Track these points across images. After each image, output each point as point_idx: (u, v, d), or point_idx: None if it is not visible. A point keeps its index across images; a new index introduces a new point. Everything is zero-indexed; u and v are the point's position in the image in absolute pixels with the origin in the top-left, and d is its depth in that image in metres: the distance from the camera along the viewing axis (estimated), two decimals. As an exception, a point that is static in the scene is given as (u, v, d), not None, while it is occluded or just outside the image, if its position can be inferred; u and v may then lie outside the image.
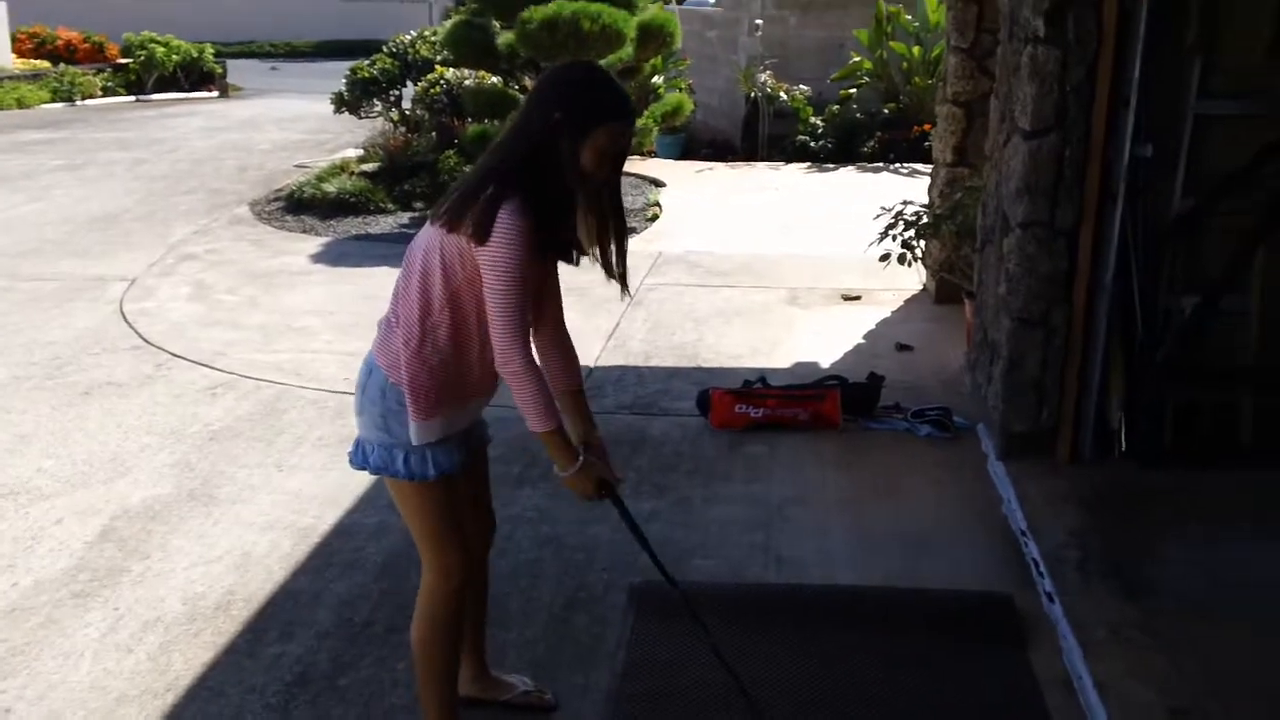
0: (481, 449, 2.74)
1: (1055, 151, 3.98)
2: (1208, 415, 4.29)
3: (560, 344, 2.67)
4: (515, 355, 2.35)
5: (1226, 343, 4.23)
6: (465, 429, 2.58)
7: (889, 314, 6.32)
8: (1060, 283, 4.11)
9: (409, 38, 10.96)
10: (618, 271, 2.58)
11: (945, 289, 6.20)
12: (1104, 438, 4.22)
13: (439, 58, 10.36)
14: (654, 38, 8.33)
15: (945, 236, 5.76)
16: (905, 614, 3.36)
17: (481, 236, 2.30)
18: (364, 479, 4.23)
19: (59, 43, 19.29)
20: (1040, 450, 4.24)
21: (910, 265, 5.81)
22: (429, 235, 2.43)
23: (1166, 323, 4.19)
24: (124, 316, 6.38)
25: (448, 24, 9.40)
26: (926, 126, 11.03)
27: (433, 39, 10.73)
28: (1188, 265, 4.18)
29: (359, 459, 2.56)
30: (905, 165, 11.19)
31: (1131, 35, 3.82)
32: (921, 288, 6.67)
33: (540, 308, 2.58)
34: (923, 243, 5.85)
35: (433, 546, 2.58)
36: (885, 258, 5.80)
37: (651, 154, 11.74)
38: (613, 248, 2.56)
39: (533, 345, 2.49)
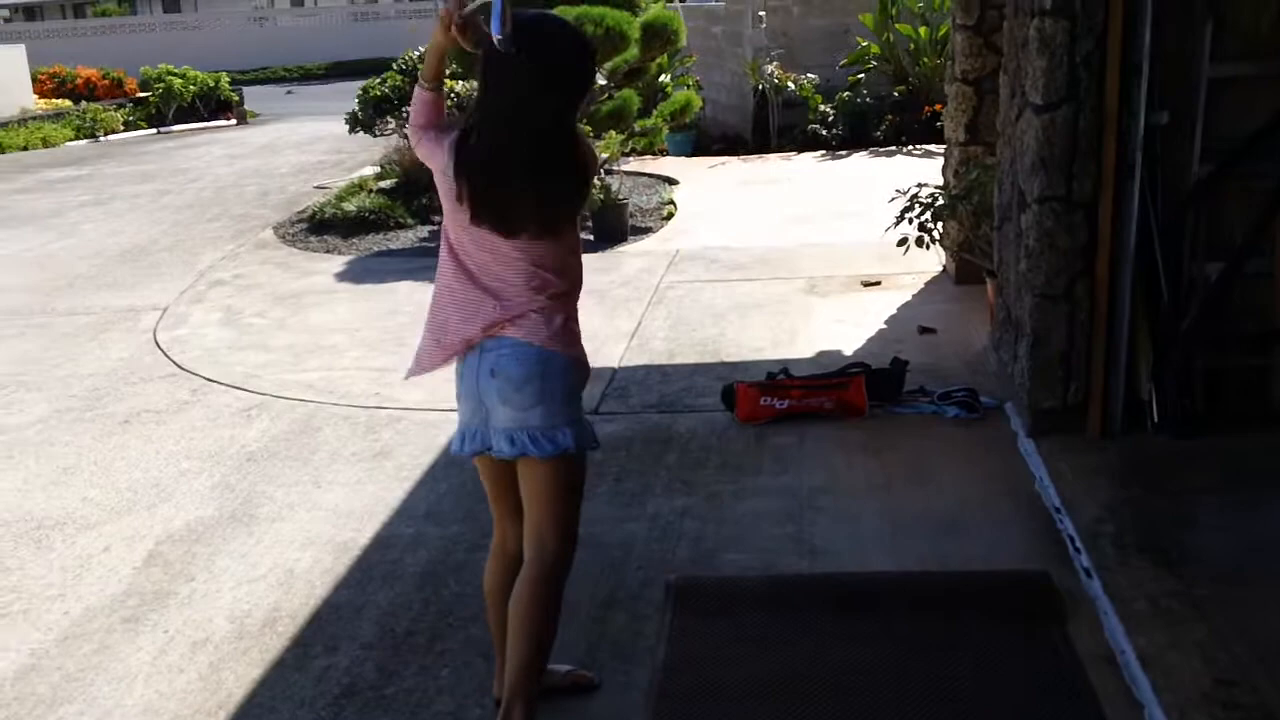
0: None
1: (1069, 124, 3.97)
2: (1237, 380, 4.27)
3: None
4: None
5: (1252, 307, 4.21)
6: None
7: (909, 297, 6.32)
8: (1081, 256, 4.10)
9: (418, 54, 11.02)
10: None
11: (965, 269, 6.19)
12: (1134, 410, 4.20)
13: (448, 71, 10.41)
14: (658, 37, 8.35)
15: (962, 216, 5.75)
16: (943, 596, 3.36)
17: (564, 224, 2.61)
18: (399, 491, 4.30)
19: (78, 81, 19.61)
20: (1070, 426, 4.23)
21: (928, 248, 5.80)
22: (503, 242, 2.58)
23: (1191, 290, 4.18)
24: (158, 345, 6.48)
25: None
26: (938, 107, 10.98)
27: (441, 53, 10.79)
28: (1209, 231, 4.17)
29: (546, 447, 2.57)
30: (918, 146, 11.18)
31: (1139, 1, 3.80)
32: (941, 269, 6.66)
33: None
34: (940, 224, 5.84)
35: (570, 519, 2.70)
36: (903, 242, 5.80)
37: (663, 152, 11.76)
38: None
39: None
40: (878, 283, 6.58)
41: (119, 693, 3.15)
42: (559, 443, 2.58)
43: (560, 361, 2.57)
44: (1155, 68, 3.89)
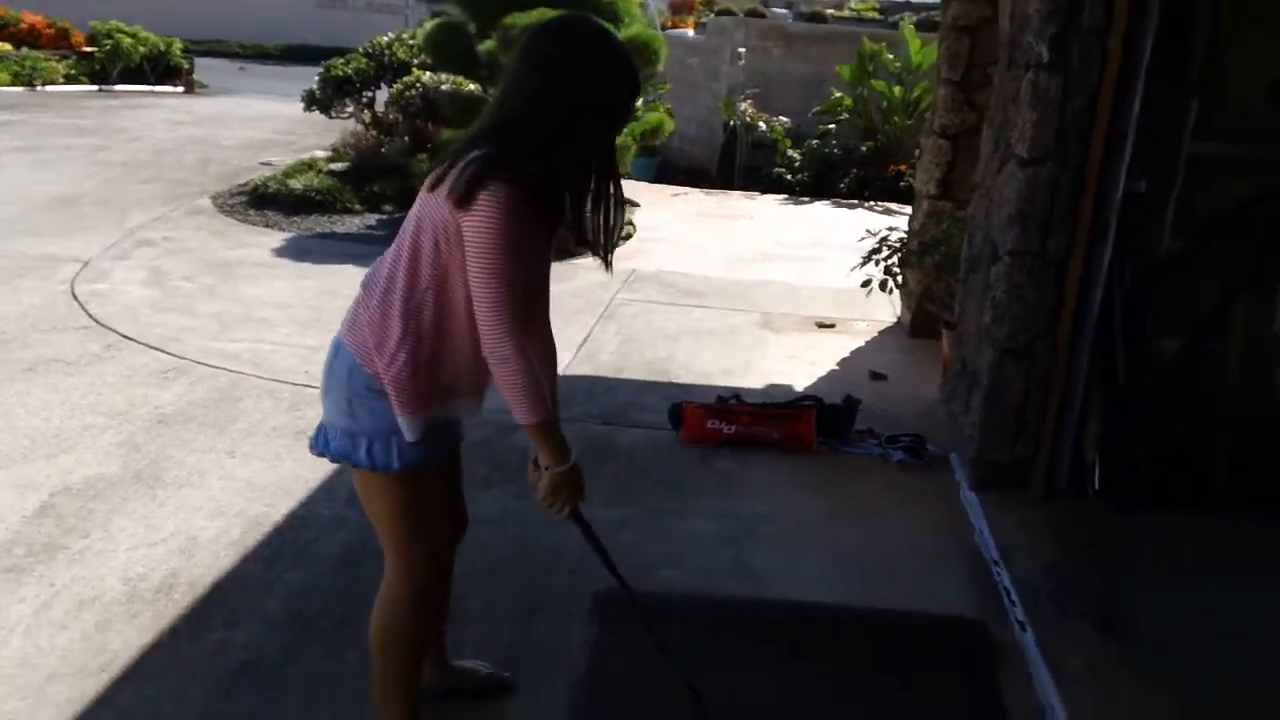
0: (456, 449, 2.57)
1: (1050, 180, 3.92)
2: (1183, 459, 4.24)
3: (544, 340, 2.51)
4: (504, 338, 2.12)
5: (1205, 386, 4.19)
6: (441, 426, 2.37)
7: (863, 344, 6.24)
8: (1046, 314, 4.04)
9: (387, 39, 10.82)
10: (607, 248, 2.38)
11: (920, 322, 6.14)
12: (1080, 473, 4.15)
13: (416, 61, 10.23)
14: (638, 54, 8.21)
15: (927, 266, 5.70)
16: (878, 634, 3.27)
17: (465, 202, 2.07)
18: (321, 471, 4.06)
19: (22, 25, 18.92)
20: (1014, 482, 4.17)
21: (892, 292, 5.74)
22: (419, 206, 2.21)
23: (1148, 363, 4.15)
24: (75, 296, 6.16)
25: (427, 26, 9.26)
26: (903, 167, 11.07)
27: (411, 42, 10.61)
28: (1174, 305, 4.14)
29: (319, 444, 2.34)
30: (880, 203, 11.18)
31: (1134, 67, 3.78)
32: (896, 320, 6.62)
33: (535, 299, 2.35)
34: (903, 272, 5.79)
35: (396, 544, 2.42)
36: (867, 283, 5.73)
37: (625, 174, 11.66)
38: (614, 225, 2.35)
39: None
40: (832, 325, 6.50)
41: (-8, 643, 2.89)
42: (327, 443, 2.32)
43: (345, 360, 2.27)
44: (1140, 135, 3.85)
